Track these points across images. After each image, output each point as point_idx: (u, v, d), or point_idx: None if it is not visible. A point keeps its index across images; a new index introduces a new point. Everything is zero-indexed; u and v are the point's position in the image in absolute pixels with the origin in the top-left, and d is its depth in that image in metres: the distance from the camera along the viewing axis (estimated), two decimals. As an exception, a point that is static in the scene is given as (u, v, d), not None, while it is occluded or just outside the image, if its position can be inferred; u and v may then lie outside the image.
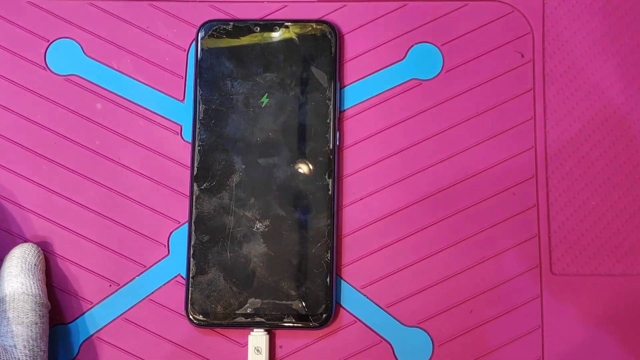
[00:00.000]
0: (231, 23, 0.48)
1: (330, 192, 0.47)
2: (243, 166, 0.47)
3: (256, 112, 0.47)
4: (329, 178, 0.47)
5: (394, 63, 0.49)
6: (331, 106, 0.47)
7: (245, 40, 0.48)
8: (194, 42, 0.49)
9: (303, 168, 0.47)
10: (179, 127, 0.49)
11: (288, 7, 0.49)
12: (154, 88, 0.49)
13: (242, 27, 0.48)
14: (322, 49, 0.48)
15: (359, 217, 0.48)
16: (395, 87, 0.49)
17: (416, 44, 0.49)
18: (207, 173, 0.47)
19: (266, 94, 0.48)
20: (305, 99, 0.48)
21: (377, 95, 0.49)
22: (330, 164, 0.47)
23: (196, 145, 0.47)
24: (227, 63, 0.48)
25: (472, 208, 0.47)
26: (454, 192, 0.47)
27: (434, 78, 0.49)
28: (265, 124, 0.47)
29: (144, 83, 0.49)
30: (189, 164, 0.47)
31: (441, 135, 0.48)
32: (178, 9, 0.49)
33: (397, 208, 0.47)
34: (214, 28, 0.48)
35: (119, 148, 0.48)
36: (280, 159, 0.47)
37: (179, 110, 0.49)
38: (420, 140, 0.48)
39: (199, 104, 0.47)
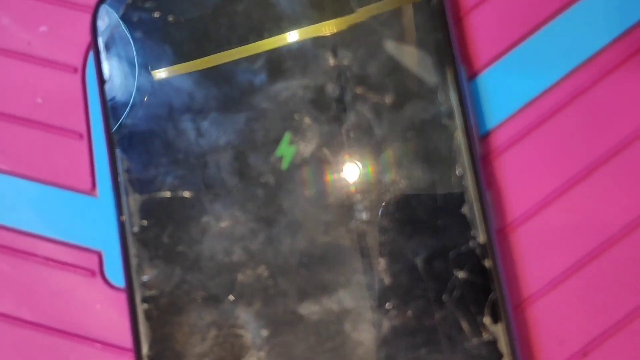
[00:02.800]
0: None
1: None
2: (265, 332, 0.18)
3: (270, 188, 0.18)
4: (494, 323, 0.17)
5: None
6: (459, 131, 0.18)
7: (208, 8, 0.19)
8: (91, 51, 0.20)
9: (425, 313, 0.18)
10: (96, 258, 0.20)
11: None
12: (18, 176, 0.20)
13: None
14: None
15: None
16: (598, 51, 0.19)
17: None
18: (176, 369, 0.18)
19: (287, 135, 0.19)
20: (385, 127, 0.18)
21: (563, 76, 0.19)
22: (489, 286, 0.18)
23: (137, 297, 0.18)
24: (177, 82, 0.19)
25: None
26: None
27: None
28: (299, 214, 0.18)
29: (-7, 168, 0.20)
30: (128, 344, 0.19)
31: None
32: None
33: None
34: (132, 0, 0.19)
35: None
36: (359, 298, 0.18)
37: (88, 215, 0.20)
38: None
39: (128, 193, 0.19)
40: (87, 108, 0.20)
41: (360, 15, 0.19)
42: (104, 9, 0.19)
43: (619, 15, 0.19)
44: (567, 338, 0.19)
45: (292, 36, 0.19)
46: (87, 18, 0.20)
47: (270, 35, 0.19)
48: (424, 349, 0.17)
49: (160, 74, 0.19)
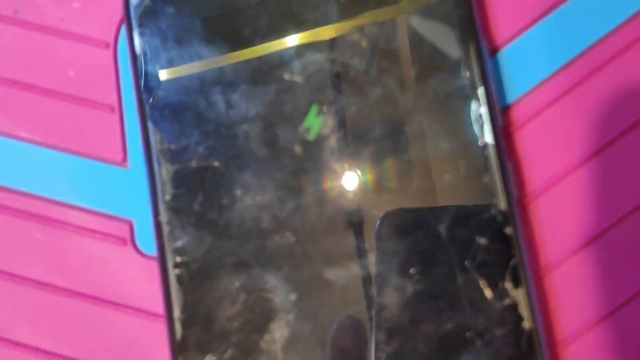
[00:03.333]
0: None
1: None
2: (293, 296, 0.19)
3: (297, 158, 0.19)
4: (515, 287, 0.18)
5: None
6: (481, 103, 0.19)
7: (238, -11, 0.20)
8: (123, 25, 0.21)
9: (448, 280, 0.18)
10: (127, 227, 0.21)
11: None
12: (52, 147, 0.21)
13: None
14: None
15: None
16: (616, 27, 0.20)
17: None
18: (207, 336, 0.19)
19: (314, 107, 0.19)
20: (409, 99, 0.19)
21: (582, 51, 0.20)
22: (510, 253, 0.18)
23: (169, 263, 0.19)
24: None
25: None
26: None
27: None
28: (325, 182, 0.19)
29: (25, 140, 0.21)
30: (158, 310, 0.19)
31: None
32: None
33: None
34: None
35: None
36: (386, 268, 0.19)
37: (119, 185, 0.21)
38: None
39: (160, 164, 0.19)
40: (118, 82, 0.21)
41: (406, 5, 0.19)
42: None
43: (636, -7, 0.20)
44: (585, 305, 0.19)
45: (331, 31, 0.19)
46: (119, -6, 0.20)
47: (309, 28, 0.19)
48: (446, 312, 0.18)
49: (191, 51, 0.20)
